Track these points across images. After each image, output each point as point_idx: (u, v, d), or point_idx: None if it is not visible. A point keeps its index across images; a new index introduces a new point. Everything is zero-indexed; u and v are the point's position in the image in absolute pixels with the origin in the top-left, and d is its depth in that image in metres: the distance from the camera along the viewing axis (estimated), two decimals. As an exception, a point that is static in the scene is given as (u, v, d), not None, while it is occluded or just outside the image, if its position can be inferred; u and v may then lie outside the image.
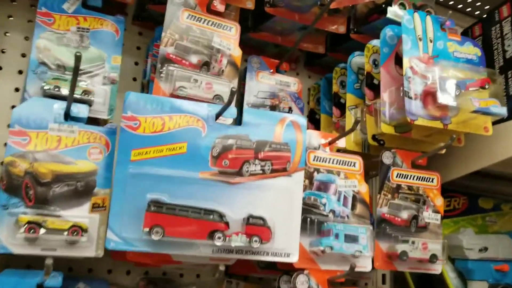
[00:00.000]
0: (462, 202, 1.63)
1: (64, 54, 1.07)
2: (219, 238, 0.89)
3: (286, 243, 0.96)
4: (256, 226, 0.92)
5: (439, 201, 1.26)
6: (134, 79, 1.39)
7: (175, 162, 0.94)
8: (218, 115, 0.96)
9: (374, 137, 1.27)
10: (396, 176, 1.23)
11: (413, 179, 1.24)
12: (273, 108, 1.37)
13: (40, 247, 0.89)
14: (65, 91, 1.03)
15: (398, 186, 1.23)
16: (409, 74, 1.16)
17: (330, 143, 1.11)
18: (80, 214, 0.92)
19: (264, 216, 0.93)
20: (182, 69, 1.09)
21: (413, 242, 1.17)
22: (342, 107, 1.44)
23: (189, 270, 1.32)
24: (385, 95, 1.22)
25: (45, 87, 1.02)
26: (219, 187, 0.94)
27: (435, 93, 1.14)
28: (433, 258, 1.18)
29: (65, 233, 0.88)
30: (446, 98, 1.10)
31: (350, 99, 1.36)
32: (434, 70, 1.13)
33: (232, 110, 0.99)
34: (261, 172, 0.97)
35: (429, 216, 1.24)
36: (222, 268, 0.82)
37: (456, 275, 1.47)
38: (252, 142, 0.98)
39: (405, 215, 1.21)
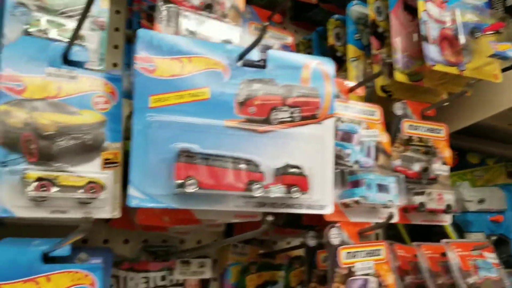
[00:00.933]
0: (454, 157, 1.63)
1: (46, -6, 0.93)
2: (258, 189, 0.80)
3: (320, 195, 0.88)
4: (294, 176, 0.84)
5: (447, 153, 1.23)
6: (117, 29, 1.25)
7: (198, 109, 0.83)
8: (241, 56, 0.86)
9: (382, 88, 1.22)
10: (408, 128, 1.18)
11: (423, 130, 1.21)
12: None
13: (49, 208, 0.76)
14: (53, 34, 0.89)
15: (410, 138, 1.19)
16: (425, 18, 1.11)
17: (351, 90, 1.04)
18: (92, 170, 0.80)
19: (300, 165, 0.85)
20: (186, 10, 0.98)
21: (429, 193, 1.13)
22: (338, 61, 1.38)
23: (191, 235, 1.22)
24: (396, 42, 1.16)
25: (30, 30, 0.88)
26: (247, 136, 0.85)
27: (452, 38, 1.10)
28: (448, 209, 1.15)
29: (81, 190, 0.76)
30: (467, 40, 1.06)
31: (351, 50, 1.30)
32: (453, 13, 1.08)
33: (255, 52, 0.89)
34: (290, 119, 0.88)
35: (438, 168, 1.21)
36: (270, 218, 0.74)
37: (453, 228, 1.47)
38: (279, 87, 0.89)
39: (417, 167, 1.18)
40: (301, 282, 1.17)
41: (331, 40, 1.39)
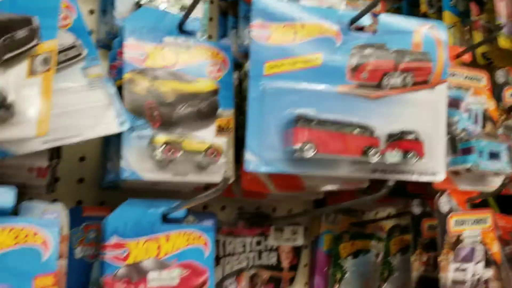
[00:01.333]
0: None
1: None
2: (374, 154, 0.80)
3: (433, 161, 0.87)
4: (411, 141, 0.83)
5: (550, 123, 1.18)
6: (211, 2, 1.26)
7: (311, 76, 0.83)
8: (354, 21, 0.85)
9: (482, 55, 1.17)
10: (510, 96, 1.14)
11: (525, 99, 1.16)
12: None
13: (172, 172, 0.80)
14: (162, 5, 0.92)
15: (511, 107, 1.14)
16: (533, -20, 1.05)
17: (458, 56, 1.01)
18: (208, 136, 0.83)
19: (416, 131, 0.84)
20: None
21: (535, 163, 1.09)
22: (431, 28, 1.33)
23: (283, 204, 1.24)
24: (501, 7, 1.11)
25: (141, 2, 0.91)
26: (359, 102, 0.85)
27: None
28: (555, 180, 1.11)
29: (201, 155, 0.79)
30: None
31: (447, 17, 1.26)
32: None
33: (366, 17, 0.88)
34: (402, 85, 0.87)
35: (541, 138, 1.16)
36: (391, 183, 0.74)
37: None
38: (390, 51, 0.87)
39: (519, 136, 1.13)
40: (400, 249, 1.17)
41: (424, 7, 1.34)
